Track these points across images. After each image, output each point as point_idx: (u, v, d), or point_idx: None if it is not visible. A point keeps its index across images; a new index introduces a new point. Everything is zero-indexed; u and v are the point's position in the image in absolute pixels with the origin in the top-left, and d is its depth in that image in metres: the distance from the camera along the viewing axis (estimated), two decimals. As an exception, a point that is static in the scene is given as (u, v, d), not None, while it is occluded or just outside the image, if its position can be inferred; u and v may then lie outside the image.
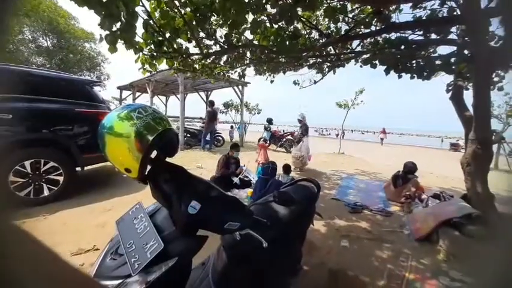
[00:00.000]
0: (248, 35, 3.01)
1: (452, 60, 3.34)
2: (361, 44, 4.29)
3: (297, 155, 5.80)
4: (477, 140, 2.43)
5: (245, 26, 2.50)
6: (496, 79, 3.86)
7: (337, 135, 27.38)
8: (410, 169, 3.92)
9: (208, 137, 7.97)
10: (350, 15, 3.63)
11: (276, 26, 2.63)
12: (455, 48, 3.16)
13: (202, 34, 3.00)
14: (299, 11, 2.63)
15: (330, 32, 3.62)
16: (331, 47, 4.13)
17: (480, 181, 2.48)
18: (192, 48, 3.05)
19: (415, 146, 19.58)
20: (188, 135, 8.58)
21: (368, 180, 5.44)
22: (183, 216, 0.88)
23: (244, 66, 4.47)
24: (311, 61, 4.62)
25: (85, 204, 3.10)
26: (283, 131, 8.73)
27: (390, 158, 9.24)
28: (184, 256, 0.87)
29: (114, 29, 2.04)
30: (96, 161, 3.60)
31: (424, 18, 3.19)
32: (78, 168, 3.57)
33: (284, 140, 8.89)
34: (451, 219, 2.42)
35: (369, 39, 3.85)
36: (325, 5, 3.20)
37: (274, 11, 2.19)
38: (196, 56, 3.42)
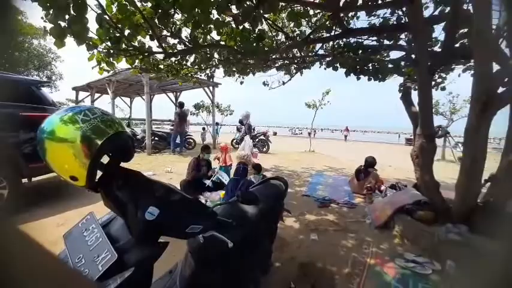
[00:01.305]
0: (215, 35, 2.99)
1: (402, 63, 3.73)
2: (324, 47, 4.56)
3: (241, 154, 5.88)
4: (423, 135, 2.75)
5: (210, 26, 2.47)
6: (439, 80, 4.41)
7: (309, 133, 28.52)
8: (370, 163, 4.27)
9: (178, 140, 7.67)
10: (313, 20, 3.83)
11: (241, 27, 2.64)
12: (404, 53, 3.53)
13: (166, 32, 2.88)
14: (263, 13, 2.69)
15: (295, 35, 3.77)
16: (297, 50, 4.30)
17: (427, 171, 2.80)
18: (156, 46, 2.92)
19: (376, 142, 21.33)
20: (156, 138, 8.15)
21: (335, 175, 5.78)
22: (139, 224, 0.83)
23: (213, 68, 4.42)
24: (279, 63, 4.76)
25: (34, 220, 2.74)
26: (254, 130, 8.78)
27: (354, 153, 9.92)
28: (142, 265, 0.83)
29: (62, 22, 1.85)
30: (45, 171, 3.21)
31: (377, 25, 3.51)
32: (24, 180, 3.15)
33: (257, 140, 8.98)
34: (404, 206, 2.70)
35: (331, 43, 4.10)
36: (289, 8, 3.33)
37: (238, 11, 2.21)
38: (161, 56, 3.27)
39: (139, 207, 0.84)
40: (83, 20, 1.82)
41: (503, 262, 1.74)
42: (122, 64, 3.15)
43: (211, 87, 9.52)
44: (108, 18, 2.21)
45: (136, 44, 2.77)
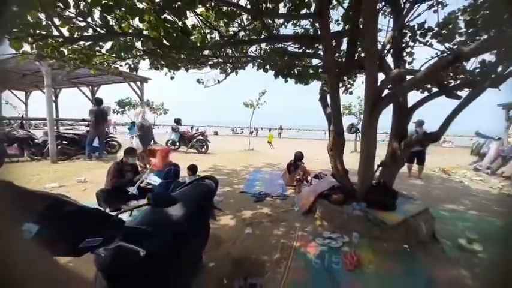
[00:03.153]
0: (138, 22, 2.66)
1: (320, 70, 4.31)
2: (257, 50, 4.78)
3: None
4: (334, 131, 3.26)
5: (125, 11, 2.18)
6: (348, 86, 5.31)
7: (251, 132, 29.51)
8: (298, 157, 4.78)
9: (96, 143, 6.48)
10: (245, 22, 3.95)
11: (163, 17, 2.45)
12: (320, 60, 4.09)
13: (70, 12, 2.37)
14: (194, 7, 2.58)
15: (227, 34, 3.79)
16: (231, 49, 4.36)
17: (339, 161, 3.35)
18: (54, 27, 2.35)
19: (307, 138, 24.04)
20: (65, 142, 6.66)
21: (272, 171, 6.19)
22: None
23: (137, 59, 3.95)
24: (214, 61, 4.70)
25: None
26: (193, 129, 8.43)
27: (288, 149, 10.90)
28: None
29: None
30: None
31: (300, 34, 3.92)
32: None
33: (195, 140, 8.61)
34: (323, 192, 3.15)
35: (264, 46, 4.32)
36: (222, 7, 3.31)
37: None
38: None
39: (8, 226, 0.66)
40: None
41: (390, 228, 2.24)
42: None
43: (138, 82, 8.49)
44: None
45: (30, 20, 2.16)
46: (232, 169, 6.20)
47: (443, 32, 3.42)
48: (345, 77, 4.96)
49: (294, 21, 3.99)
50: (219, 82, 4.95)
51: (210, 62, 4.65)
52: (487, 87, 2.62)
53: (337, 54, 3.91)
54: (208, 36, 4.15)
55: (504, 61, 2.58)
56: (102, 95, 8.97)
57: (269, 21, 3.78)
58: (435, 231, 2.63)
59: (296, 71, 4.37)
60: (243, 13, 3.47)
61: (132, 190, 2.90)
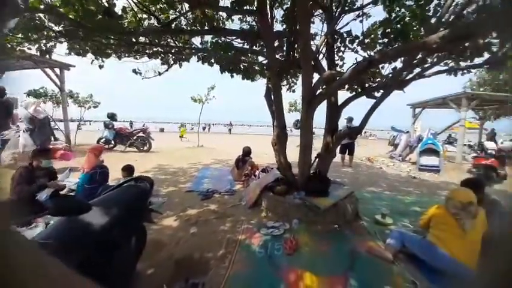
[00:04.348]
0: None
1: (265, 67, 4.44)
2: (202, 42, 4.58)
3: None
4: (278, 126, 3.44)
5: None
6: (292, 84, 5.64)
7: (204, 128, 28.49)
8: (246, 152, 4.87)
9: (-2, 143, 5.12)
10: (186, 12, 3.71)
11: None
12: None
13: None
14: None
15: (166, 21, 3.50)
16: (172, 39, 4.05)
17: (282, 155, 3.56)
18: None
19: (258, 134, 24.78)
20: None
21: (221, 167, 6.13)
22: None
23: (51, 40, 3.26)
24: (153, 50, 4.28)
25: None
26: (132, 126, 7.55)
27: (238, 145, 11.02)
28: None
29: None
30: None
31: (245, 30, 3.93)
32: None
33: (135, 137, 7.75)
34: (268, 184, 3.30)
35: (209, 40, 4.16)
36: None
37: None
38: None
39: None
40: None
41: (323, 212, 2.48)
42: None
43: (57, 69, 7.04)
44: None
45: None
46: (179, 167, 5.87)
47: (366, 40, 4.00)
48: (288, 76, 5.30)
49: (240, 17, 3.99)
50: (159, 74, 4.55)
51: (148, 51, 4.23)
52: (394, 89, 3.21)
53: (281, 54, 4.11)
54: (146, 22, 3.76)
55: (408, 68, 3.20)
56: (6, 83, 7.11)
57: (213, 13, 3.67)
58: (358, 210, 3.10)
59: (242, 67, 4.40)
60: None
61: (41, 197, 2.37)
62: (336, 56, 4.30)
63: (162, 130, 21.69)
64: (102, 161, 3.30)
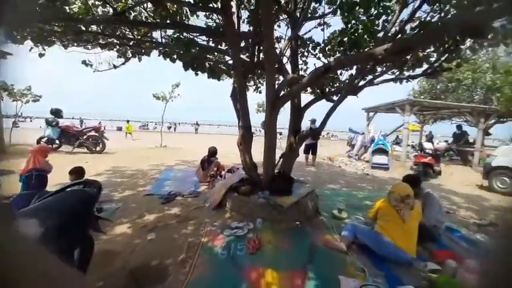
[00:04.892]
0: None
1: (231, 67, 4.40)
2: (164, 36, 4.33)
3: None
4: (243, 127, 3.45)
5: None
6: (259, 85, 5.70)
7: (169, 128, 27.00)
8: (212, 153, 4.76)
9: None
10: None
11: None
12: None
13: None
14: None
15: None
16: (130, 31, 3.74)
17: (247, 155, 3.57)
18: None
19: (227, 134, 24.54)
20: None
21: (186, 168, 5.89)
22: None
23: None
24: (107, 40, 3.89)
25: None
26: (82, 124, 6.73)
27: (205, 145, 10.75)
28: None
29: None
30: None
31: (212, 27, 3.84)
32: None
33: (85, 137, 6.93)
34: (233, 185, 3.28)
35: (171, 34, 3.94)
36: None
37: None
38: None
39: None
40: None
41: (285, 210, 2.55)
42: None
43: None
44: None
45: None
46: (138, 169, 5.45)
47: (327, 48, 4.27)
48: (255, 77, 5.35)
49: (207, 14, 3.88)
50: (115, 67, 4.17)
51: (100, 41, 3.84)
52: (349, 94, 3.50)
53: (247, 54, 4.12)
54: (100, 9, 3.40)
55: (360, 75, 3.52)
56: None
57: (175, 7, 3.50)
58: (318, 207, 3.28)
59: (208, 65, 4.29)
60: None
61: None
62: (300, 60, 4.51)
63: (119, 129, 19.91)
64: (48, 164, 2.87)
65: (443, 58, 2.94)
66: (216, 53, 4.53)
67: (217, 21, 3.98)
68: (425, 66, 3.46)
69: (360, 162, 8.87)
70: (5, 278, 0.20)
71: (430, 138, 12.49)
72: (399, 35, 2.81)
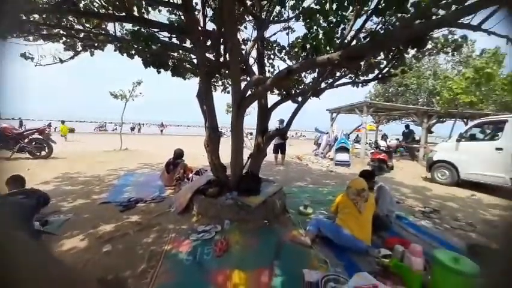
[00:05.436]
0: None
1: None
2: (122, 29, 4.02)
3: None
4: (210, 127, 3.37)
5: None
6: (227, 85, 5.62)
7: (132, 129, 25.01)
8: (178, 155, 4.56)
9: None
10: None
11: None
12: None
13: None
14: None
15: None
16: (79, 22, 3.37)
17: (215, 156, 3.51)
18: None
19: (197, 135, 23.66)
20: None
21: (149, 172, 5.53)
22: None
23: None
24: (55, 31, 3.46)
25: None
26: (22, 125, 5.82)
27: (171, 147, 10.28)
28: None
29: None
30: None
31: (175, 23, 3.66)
32: None
33: (27, 140, 6.02)
34: (200, 187, 3.18)
35: (129, 28, 3.64)
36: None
37: None
38: None
39: None
40: None
41: (253, 209, 2.54)
42: None
43: None
44: None
45: None
46: (94, 176, 4.94)
47: (291, 52, 4.42)
48: (223, 77, 5.28)
49: (170, 9, 3.69)
50: (61, 61, 3.71)
51: (44, 32, 3.38)
52: (311, 96, 3.68)
53: (214, 54, 4.04)
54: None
55: (321, 78, 3.72)
56: None
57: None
58: (286, 204, 3.38)
59: (171, 63, 4.10)
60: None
61: None
62: (267, 63, 4.60)
63: (72, 131, 17.81)
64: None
65: (390, 65, 3.28)
66: (180, 51, 4.35)
67: (182, 17, 3.84)
68: (377, 71, 3.84)
69: (325, 160, 9.40)
70: (5, 278, 0.20)
71: (383, 136, 13.91)
72: (353, 43, 3.05)
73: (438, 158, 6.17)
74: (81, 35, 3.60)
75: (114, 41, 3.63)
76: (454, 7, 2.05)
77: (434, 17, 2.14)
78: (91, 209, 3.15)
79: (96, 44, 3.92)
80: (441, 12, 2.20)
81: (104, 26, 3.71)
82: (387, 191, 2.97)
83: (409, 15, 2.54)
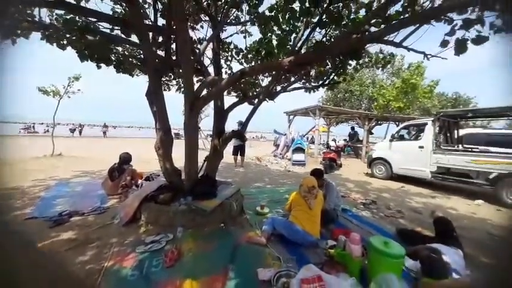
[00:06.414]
0: None
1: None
2: (52, 16, 3.44)
3: None
4: (161, 129, 3.14)
5: None
6: (182, 84, 5.33)
7: (72, 131, 21.54)
8: (124, 159, 4.12)
9: None
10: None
11: None
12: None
13: None
14: None
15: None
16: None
17: (167, 159, 3.28)
18: None
19: (143, 137, 21.75)
20: None
21: (89, 180, 4.86)
22: None
23: None
24: None
25: None
26: None
27: (117, 151, 9.28)
28: None
29: None
30: None
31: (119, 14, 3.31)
32: None
33: None
34: (149, 194, 2.93)
35: (60, 14, 3.12)
36: None
37: None
38: None
39: None
40: None
41: (209, 213, 2.45)
42: None
43: None
44: None
45: None
46: (14, 188, 4.07)
47: (249, 55, 4.48)
48: (177, 76, 5.01)
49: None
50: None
51: None
52: (266, 99, 3.80)
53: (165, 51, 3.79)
54: None
55: (274, 82, 3.87)
56: None
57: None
58: (243, 206, 3.39)
59: (115, 58, 3.70)
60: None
61: None
62: (224, 64, 4.56)
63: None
64: None
65: (334, 73, 3.63)
66: (127, 45, 3.96)
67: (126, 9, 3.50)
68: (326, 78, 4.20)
69: (283, 160, 9.81)
70: (5, 278, 0.18)
71: (333, 138, 15.34)
72: (302, 50, 3.27)
73: (376, 155, 7.10)
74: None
75: (40, 28, 3.08)
76: (382, 26, 2.39)
77: (367, 33, 2.45)
78: (10, 228, 2.57)
79: (18, 31, 3.26)
80: (373, 29, 2.54)
81: (28, 11, 3.12)
82: (334, 187, 3.25)
83: (345, 30, 2.85)
